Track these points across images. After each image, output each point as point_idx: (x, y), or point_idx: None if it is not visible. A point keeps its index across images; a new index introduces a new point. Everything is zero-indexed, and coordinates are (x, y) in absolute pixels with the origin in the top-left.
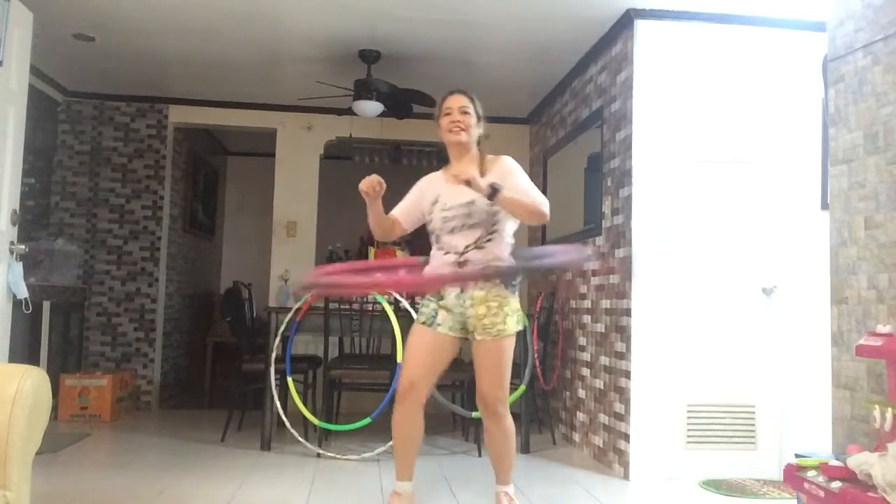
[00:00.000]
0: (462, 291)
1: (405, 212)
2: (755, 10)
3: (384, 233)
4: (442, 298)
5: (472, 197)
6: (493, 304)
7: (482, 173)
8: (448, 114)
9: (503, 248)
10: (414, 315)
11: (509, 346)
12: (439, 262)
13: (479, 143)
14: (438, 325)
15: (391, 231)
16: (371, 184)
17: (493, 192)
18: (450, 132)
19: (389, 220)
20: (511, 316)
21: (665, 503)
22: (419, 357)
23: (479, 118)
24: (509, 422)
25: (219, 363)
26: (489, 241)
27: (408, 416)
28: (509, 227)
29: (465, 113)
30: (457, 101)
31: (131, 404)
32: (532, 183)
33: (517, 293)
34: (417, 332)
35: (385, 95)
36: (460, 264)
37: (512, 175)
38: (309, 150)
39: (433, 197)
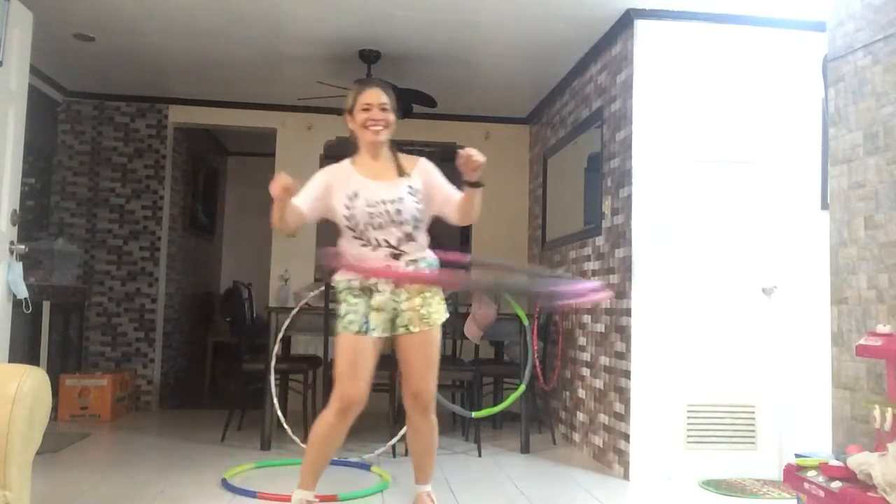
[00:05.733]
0: (397, 287)
1: (308, 205)
2: (755, 10)
3: (289, 228)
4: (371, 298)
5: (400, 194)
6: (427, 294)
7: (400, 171)
8: (367, 110)
9: (426, 240)
10: None
11: (439, 336)
12: (368, 255)
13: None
14: (373, 330)
15: (296, 224)
16: (284, 186)
17: (478, 183)
18: (369, 129)
19: (298, 215)
20: (441, 304)
21: (665, 503)
22: (364, 370)
23: (395, 111)
24: (435, 416)
25: (219, 363)
26: (417, 234)
27: (342, 432)
28: (427, 224)
29: (385, 110)
30: (379, 97)
31: (131, 404)
32: None
33: None
34: (354, 342)
35: None
36: (395, 256)
37: (436, 176)
38: (309, 150)
39: (350, 192)
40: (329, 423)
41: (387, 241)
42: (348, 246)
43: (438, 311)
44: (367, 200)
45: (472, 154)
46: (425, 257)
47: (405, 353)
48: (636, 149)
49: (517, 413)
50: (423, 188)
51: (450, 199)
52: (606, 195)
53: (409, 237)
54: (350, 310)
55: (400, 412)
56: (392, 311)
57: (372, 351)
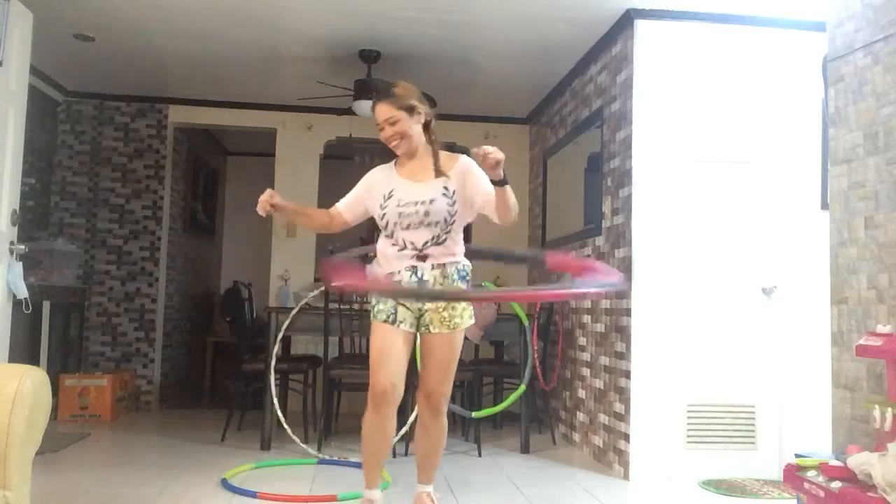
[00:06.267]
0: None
1: (348, 207)
2: (755, 10)
3: (321, 228)
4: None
5: (432, 195)
6: None
7: (437, 172)
8: (381, 129)
9: (459, 245)
10: None
11: (461, 340)
12: (394, 256)
13: (429, 131)
14: (401, 322)
15: (329, 226)
16: (263, 206)
17: (505, 180)
18: (389, 145)
19: (323, 217)
20: (468, 310)
21: (665, 503)
22: (391, 361)
23: (412, 110)
24: (445, 418)
25: (219, 363)
26: (447, 238)
27: (383, 425)
28: (462, 225)
29: (394, 123)
30: (382, 114)
31: (131, 404)
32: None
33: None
34: (382, 333)
35: None
36: (420, 258)
37: (475, 175)
38: (309, 150)
39: (386, 191)
40: (367, 417)
41: (412, 244)
42: (382, 245)
43: (462, 316)
44: (399, 200)
45: (489, 151)
46: (456, 262)
47: (424, 351)
48: (636, 149)
49: (517, 413)
50: (459, 189)
51: (490, 199)
52: (606, 195)
53: (437, 240)
54: (381, 299)
55: (400, 412)
56: (417, 310)
57: (401, 343)
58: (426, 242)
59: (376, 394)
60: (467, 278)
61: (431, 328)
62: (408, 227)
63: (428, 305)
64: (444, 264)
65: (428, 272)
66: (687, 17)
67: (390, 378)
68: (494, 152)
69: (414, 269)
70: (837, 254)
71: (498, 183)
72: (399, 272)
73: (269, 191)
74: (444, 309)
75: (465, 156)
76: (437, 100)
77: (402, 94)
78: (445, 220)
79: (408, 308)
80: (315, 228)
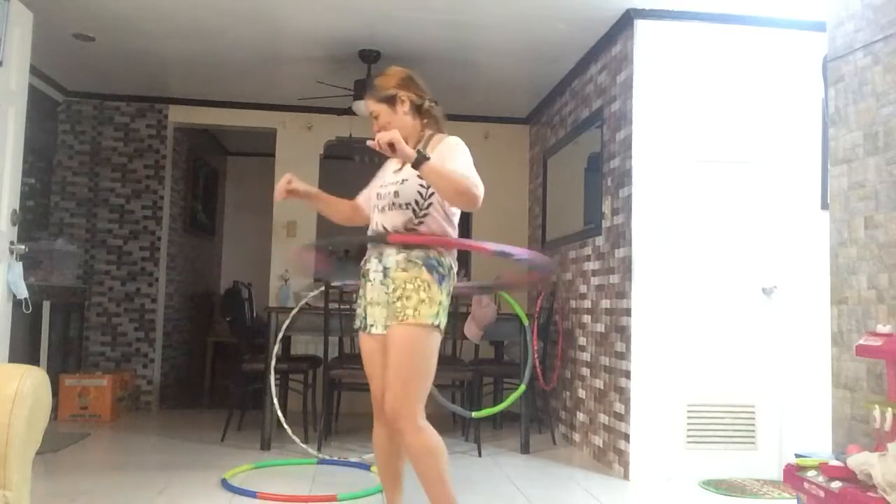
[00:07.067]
0: (385, 276)
1: (363, 198)
2: (755, 10)
3: (346, 220)
4: (366, 288)
5: (406, 175)
6: (410, 285)
7: (418, 150)
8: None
9: (438, 234)
10: None
11: (421, 342)
12: (370, 242)
13: (422, 114)
14: (372, 325)
15: (353, 218)
16: (280, 192)
17: (418, 160)
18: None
19: (346, 208)
20: (425, 304)
21: (665, 503)
22: (378, 367)
23: (392, 101)
24: (426, 439)
25: (219, 363)
26: (421, 224)
27: (387, 437)
28: (445, 212)
29: (376, 117)
30: (368, 108)
31: (131, 404)
32: (472, 167)
33: (445, 285)
34: (362, 342)
35: None
36: (385, 242)
37: (450, 154)
38: (309, 150)
39: (379, 176)
40: (374, 429)
41: (384, 228)
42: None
43: (417, 309)
44: (380, 182)
45: (381, 139)
46: (426, 250)
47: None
48: (636, 149)
49: (517, 413)
50: None
51: None
52: (606, 195)
53: (409, 225)
54: (357, 305)
55: None
56: (386, 304)
57: (374, 350)
58: (396, 228)
59: (375, 405)
60: (439, 269)
61: (388, 321)
62: (383, 210)
63: (393, 296)
64: (409, 248)
65: (392, 258)
66: (687, 17)
67: (381, 388)
68: (382, 136)
69: (380, 256)
70: (837, 254)
71: (414, 165)
72: (370, 259)
73: (287, 175)
74: (398, 299)
75: (455, 137)
76: (437, 100)
77: (381, 86)
78: (417, 203)
79: (376, 305)
80: (340, 220)
